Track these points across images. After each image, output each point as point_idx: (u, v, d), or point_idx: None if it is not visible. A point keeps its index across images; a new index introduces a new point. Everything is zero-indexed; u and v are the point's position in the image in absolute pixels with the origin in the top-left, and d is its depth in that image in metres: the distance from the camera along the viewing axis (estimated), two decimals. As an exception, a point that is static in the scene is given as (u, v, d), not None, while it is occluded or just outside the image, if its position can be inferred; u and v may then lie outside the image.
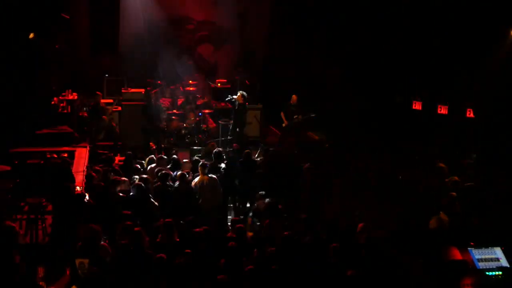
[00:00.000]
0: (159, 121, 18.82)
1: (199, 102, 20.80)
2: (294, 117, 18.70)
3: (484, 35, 15.92)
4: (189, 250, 9.62)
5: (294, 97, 18.91)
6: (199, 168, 13.15)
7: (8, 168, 14.07)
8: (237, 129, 18.45)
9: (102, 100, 18.96)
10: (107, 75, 21.02)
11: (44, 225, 12.30)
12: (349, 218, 11.69)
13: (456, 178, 13.66)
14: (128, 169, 14.24)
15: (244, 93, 18.41)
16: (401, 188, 14.24)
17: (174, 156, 15.05)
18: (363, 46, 19.62)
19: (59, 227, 11.51)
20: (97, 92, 18.81)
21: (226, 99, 18.58)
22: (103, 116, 18.44)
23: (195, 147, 18.02)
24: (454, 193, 12.35)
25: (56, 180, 12.79)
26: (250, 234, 11.85)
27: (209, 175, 13.08)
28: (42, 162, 14.65)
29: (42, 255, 10.95)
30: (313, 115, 18.78)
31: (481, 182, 13.59)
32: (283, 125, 19.05)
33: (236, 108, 18.29)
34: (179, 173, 13.22)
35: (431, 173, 14.54)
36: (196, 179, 13.03)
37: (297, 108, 18.90)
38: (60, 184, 12.20)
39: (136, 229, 9.91)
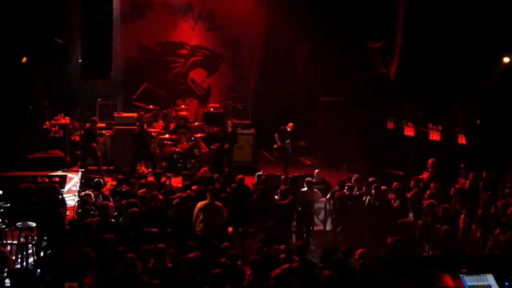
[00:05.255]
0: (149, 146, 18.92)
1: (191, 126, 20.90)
2: (286, 141, 18.89)
3: (476, 61, 15.96)
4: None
5: (290, 124, 19.26)
6: (207, 193, 13.12)
7: (-1, 192, 14.03)
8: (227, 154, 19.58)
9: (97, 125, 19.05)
10: (99, 99, 21.05)
11: (34, 249, 12.21)
12: (344, 244, 11.61)
13: (446, 205, 13.78)
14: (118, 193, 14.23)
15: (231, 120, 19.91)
16: (393, 211, 14.27)
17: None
18: (356, 71, 19.66)
19: (48, 252, 11.44)
20: (93, 118, 18.88)
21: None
22: (93, 144, 18.42)
23: (187, 172, 17.97)
24: (439, 226, 12.54)
25: (46, 204, 12.73)
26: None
27: (215, 202, 13.00)
28: (33, 186, 14.57)
29: (32, 280, 10.83)
30: (301, 144, 19.19)
31: (470, 208, 13.61)
32: (275, 146, 19.42)
33: (226, 134, 19.32)
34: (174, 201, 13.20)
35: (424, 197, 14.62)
36: (202, 202, 12.97)
37: (292, 135, 19.24)
38: (50, 209, 12.16)
39: (129, 255, 9.82)
